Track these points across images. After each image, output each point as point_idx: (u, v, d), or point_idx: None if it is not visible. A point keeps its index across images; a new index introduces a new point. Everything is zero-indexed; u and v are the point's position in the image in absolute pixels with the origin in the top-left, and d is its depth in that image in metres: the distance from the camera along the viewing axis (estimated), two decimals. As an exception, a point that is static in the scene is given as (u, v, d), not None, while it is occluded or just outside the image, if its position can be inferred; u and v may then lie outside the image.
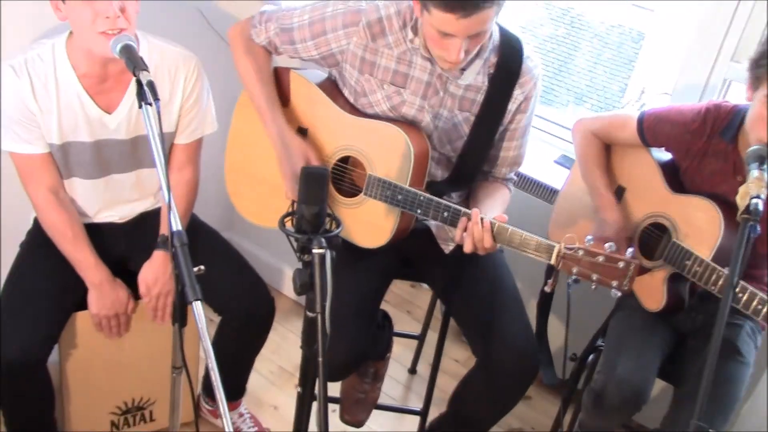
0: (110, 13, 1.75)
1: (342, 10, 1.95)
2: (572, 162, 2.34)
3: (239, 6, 2.18)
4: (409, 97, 2.00)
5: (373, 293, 2.15)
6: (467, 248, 1.86)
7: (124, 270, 2.14)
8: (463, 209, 1.88)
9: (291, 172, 2.04)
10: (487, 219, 1.83)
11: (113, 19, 1.76)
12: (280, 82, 2.12)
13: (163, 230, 2.13)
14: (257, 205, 2.21)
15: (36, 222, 2.12)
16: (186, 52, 2.07)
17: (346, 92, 2.08)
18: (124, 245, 2.17)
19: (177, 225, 1.49)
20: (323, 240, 1.46)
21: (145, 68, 1.58)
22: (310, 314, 1.50)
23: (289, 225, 1.56)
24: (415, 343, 2.96)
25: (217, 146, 2.27)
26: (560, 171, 2.67)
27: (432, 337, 2.57)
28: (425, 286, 3.20)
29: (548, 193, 2.63)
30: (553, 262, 1.76)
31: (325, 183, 1.50)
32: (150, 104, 1.55)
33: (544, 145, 2.91)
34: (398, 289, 3.42)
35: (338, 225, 1.58)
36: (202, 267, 1.49)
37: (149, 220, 2.19)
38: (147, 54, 1.95)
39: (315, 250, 1.45)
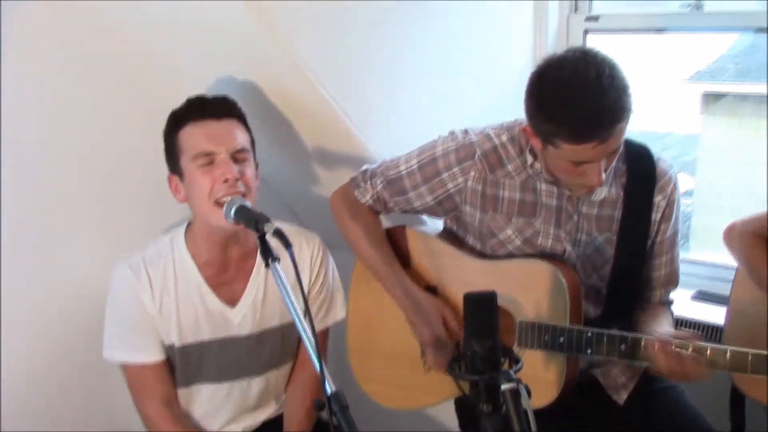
0: (229, 176, 1.64)
1: (453, 146, 1.81)
2: (713, 296, 2.12)
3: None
4: (542, 227, 1.80)
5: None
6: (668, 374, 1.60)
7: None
8: (645, 336, 1.62)
9: (431, 336, 1.80)
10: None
11: (232, 182, 1.64)
12: (395, 242, 1.94)
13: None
14: (393, 386, 1.95)
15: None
16: (308, 232, 1.92)
17: (470, 239, 1.89)
18: (247, 459, 1.89)
19: (331, 387, 1.23)
20: (511, 373, 1.20)
21: (268, 219, 1.41)
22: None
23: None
24: None
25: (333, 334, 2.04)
26: (702, 307, 2.36)
27: None
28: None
29: (708, 330, 2.30)
30: None
31: (495, 307, 1.25)
32: (278, 260, 1.37)
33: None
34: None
35: (517, 361, 1.31)
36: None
37: (273, 428, 1.92)
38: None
39: (504, 386, 1.17)
